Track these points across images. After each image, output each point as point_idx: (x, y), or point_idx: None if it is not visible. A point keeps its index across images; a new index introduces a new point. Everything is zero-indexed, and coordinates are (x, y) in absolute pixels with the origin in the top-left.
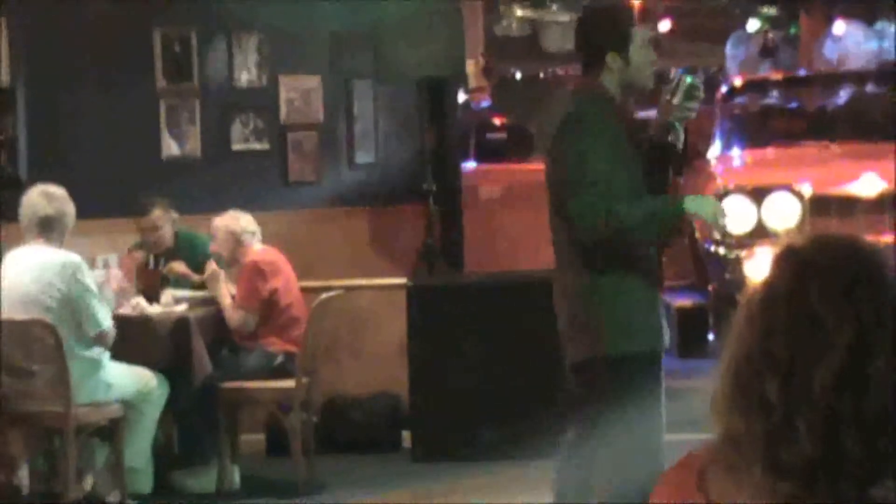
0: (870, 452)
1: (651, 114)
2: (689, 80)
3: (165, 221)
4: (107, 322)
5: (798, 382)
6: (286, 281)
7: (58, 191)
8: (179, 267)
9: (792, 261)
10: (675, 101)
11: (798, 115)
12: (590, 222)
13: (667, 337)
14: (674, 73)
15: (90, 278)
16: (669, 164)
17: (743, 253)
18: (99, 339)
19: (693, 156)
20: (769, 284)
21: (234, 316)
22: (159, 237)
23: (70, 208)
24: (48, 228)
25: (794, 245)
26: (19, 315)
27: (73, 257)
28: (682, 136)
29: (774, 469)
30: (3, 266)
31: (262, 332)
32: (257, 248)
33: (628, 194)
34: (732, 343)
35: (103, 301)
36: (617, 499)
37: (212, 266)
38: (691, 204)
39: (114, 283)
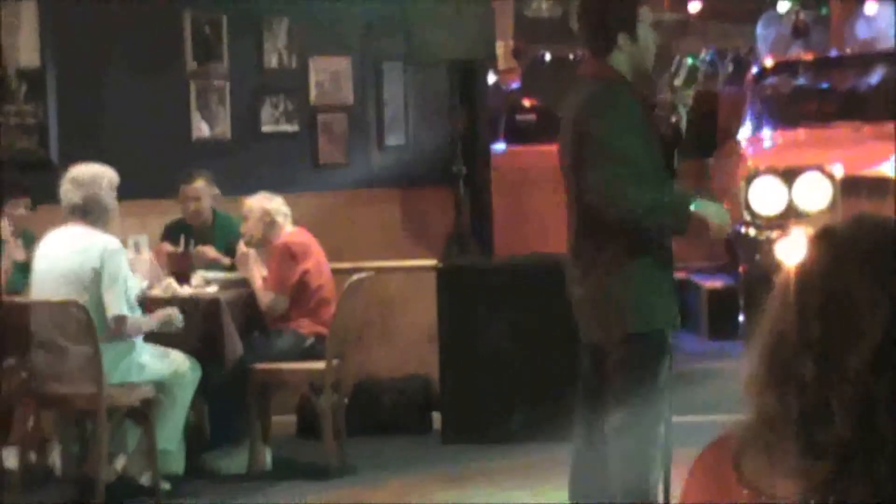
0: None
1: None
2: (689, 61)
3: (207, 194)
4: (123, 309)
5: (833, 363)
6: (317, 263)
7: (87, 175)
8: (210, 251)
9: (829, 241)
10: (677, 82)
11: (829, 95)
12: (605, 200)
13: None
14: (677, 58)
15: (125, 266)
16: (675, 147)
17: (773, 234)
18: (115, 324)
19: (724, 137)
20: (805, 265)
21: (264, 298)
22: (199, 208)
23: (101, 189)
24: (82, 213)
25: (831, 226)
26: (58, 293)
27: (113, 240)
28: (685, 120)
29: (809, 450)
30: (41, 245)
31: (293, 314)
32: (288, 230)
33: (651, 176)
34: (767, 323)
35: (130, 291)
36: (637, 479)
37: (242, 247)
38: (701, 206)
39: (145, 265)
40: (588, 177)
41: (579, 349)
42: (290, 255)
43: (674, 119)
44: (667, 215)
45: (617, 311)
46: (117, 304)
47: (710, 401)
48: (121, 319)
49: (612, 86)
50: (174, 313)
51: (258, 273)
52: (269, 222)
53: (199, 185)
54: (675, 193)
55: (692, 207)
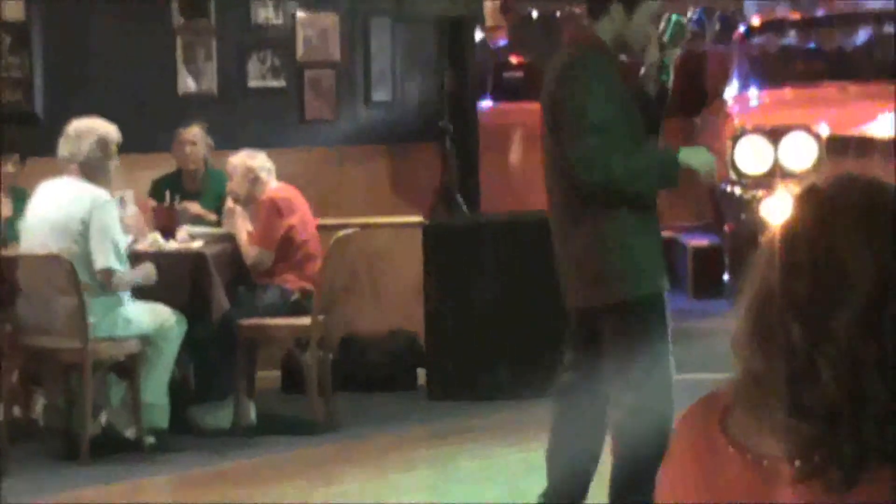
0: (892, 396)
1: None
2: (674, 17)
3: (202, 141)
4: (112, 262)
5: (819, 324)
6: (302, 218)
7: (84, 127)
8: (194, 207)
9: (815, 201)
10: (665, 38)
11: (816, 55)
12: (586, 173)
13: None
14: (665, 14)
15: (114, 219)
16: (664, 104)
17: (759, 193)
18: (103, 278)
19: (710, 96)
20: (791, 224)
21: (250, 252)
22: (192, 153)
23: (94, 144)
24: (77, 166)
25: (817, 184)
26: (46, 245)
27: (104, 193)
28: (671, 76)
29: (796, 409)
30: (33, 198)
31: (279, 269)
32: (273, 186)
33: (629, 143)
34: (754, 282)
35: (119, 244)
36: (637, 442)
37: (230, 203)
38: (686, 155)
39: (131, 219)
40: (570, 151)
41: (565, 307)
42: (276, 210)
43: (663, 77)
44: (655, 174)
45: (606, 278)
46: (105, 256)
47: (696, 360)
48: (108, 272)
49: (587, 52)
50: (151, 268)
51: (244, 228)
52: (253, 179)
53: (195, 130)
54: (657, 151)
55: (679, 159)
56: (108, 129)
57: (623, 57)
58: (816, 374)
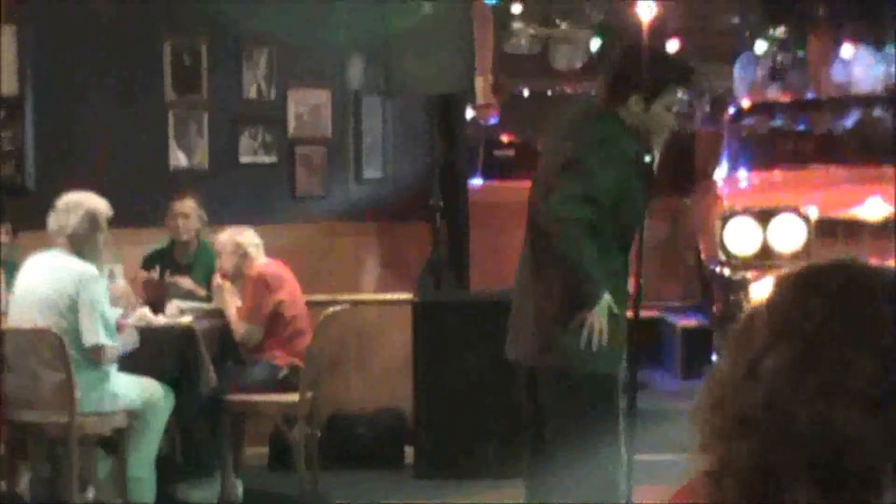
0: (751, 453)
1: None
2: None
3: (196, 213)
4: (102, 338)
5: (719, 383)
6: (291, 293)
7: (75, 201)
8: (185, 282)
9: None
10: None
11: (805, 137)
12: (561, 203)
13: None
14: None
15: (102, 293)
16: (649, 186)
17: (748, 275)
18: (93, 353)
19: (700, 177)
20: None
21: (239, 328)
22: (186, 225)
23: (83, 218)
24: (66, 239)
25: (797, 268)
26: (34, 320)
27: (91, 268)
28: (657, 158)
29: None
30: (22, 270)
31: (268, 345)
32: (262, 261)
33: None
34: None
35: (107, 318)
36: None
37: (218, 278)
38: (600, 305)
39: (120, 293)
40: (556, 192)
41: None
42: (264, 286)
43: (647, 159)
44: (585, 274)
45: (556, 343)
46: (94, 333)
47: (682, 440)
48: (98, 349)
49: (614, 120)
50: (133, 332)
51: (233, 304)
52: (242, 255)
53: (189, 203)
54: (601, 271)
55: (598, 299)
56: (97, 204)
57: None
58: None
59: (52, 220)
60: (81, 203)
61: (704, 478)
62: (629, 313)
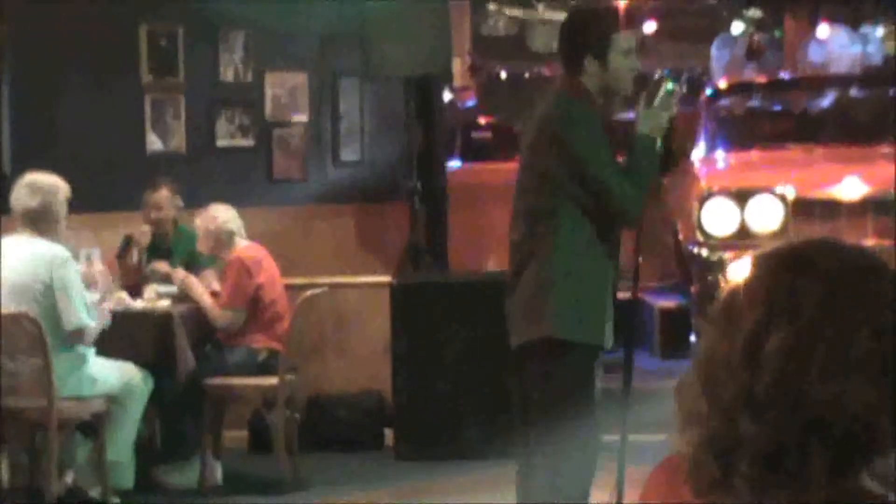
0: (764, 432)
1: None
2: (668, 87)
3: (170, 204)
4: (84, 319)
5: (711, 361)
6: (270, 277)
7: (45, 181)
8: (162, 266)
9: (768, 260)
10: (655, 104)
11: (782, 117)
12: (634, 204)
13: (610, 338)
14: (658, 74)
15: (76, 274)
16: (666, 167)
17: (726, 255)
18: (75, 336)
19: (679, 156)
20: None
21: (220, 316)
22: (162, 217)
23: (55, 199)
24: (35, 220)
25: (775, 247)
26: (8, 305)
27: (62, 251)
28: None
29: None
30: None
31: (247, 329)
32: (242, 245)
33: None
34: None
35: (85, 298)
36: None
37: (180, 274)
38: (644, 125)
39: (97, 277)
40: (613, 196)
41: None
42: (245, 270)
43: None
44: (650, 170)
45: (543, 313)
46: (75, 315)
47: (662, 420)
48: (80, 331)
49: (582, 100)
50: (105, 310)
51: (205, 294)
52: (223, 235)
53: (164, 194)
54: (634, 154)
55: (646, 135)
56: (62, 185)
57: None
58: (701, 410)
59: (12, 200)
60: (35, 182)
61: (695, 453)
62: (628, 294)
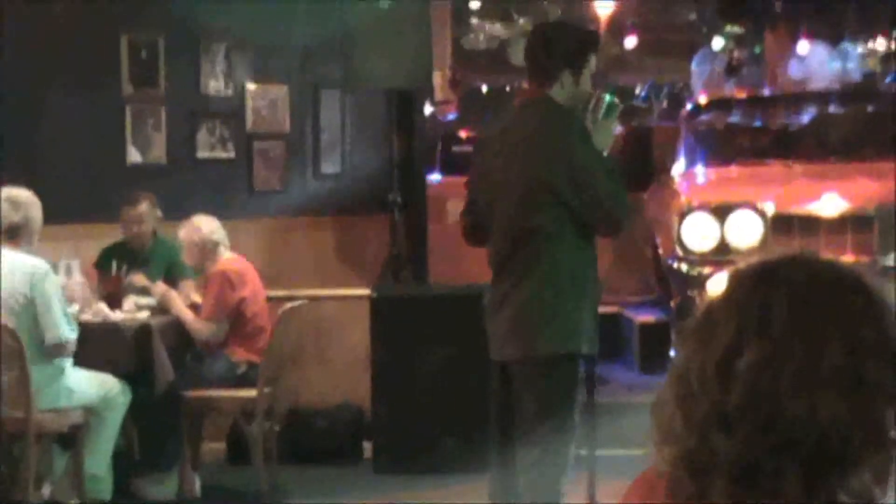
0: (737, 449)
1: None
2: (607, 98)
3: (149, 218)
4: (66, 333)
5: (686, 377)
6: (253, 291)
7: (24, 196)
8: (141, 279)
9: (742, 275)
10: (599, 117)
11: (762, 133)
12: (620, 209)
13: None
14: (596, 91)
15: (56, 287)
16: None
17: (706, 270)
18: (56, 350)
19: (658, 172)
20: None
21: (202, 328)
22: (141, 231)
23: (36, 213)
24: (16, 234)
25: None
26: None
27: (41, 264)
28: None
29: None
30: None
31: (227, 341)
32: (226, 257)
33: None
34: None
35: (66, 311)
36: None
37: (160, 288)
38: (598, 138)
39: (76, 288)
40: (604, 195)
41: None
42: (228, 283)
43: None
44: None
45: (536, 329)
46: (57, 328)
47: (640, 434)
48: (62, 345)
49: (565, 111)
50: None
51: (184, 308)
52: (208, 245)
53: (142, 208)
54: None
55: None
56: (28, 198)
57: None
58: (674, 425)
59: None
60: (16, 197)
61: (672, 470)
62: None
